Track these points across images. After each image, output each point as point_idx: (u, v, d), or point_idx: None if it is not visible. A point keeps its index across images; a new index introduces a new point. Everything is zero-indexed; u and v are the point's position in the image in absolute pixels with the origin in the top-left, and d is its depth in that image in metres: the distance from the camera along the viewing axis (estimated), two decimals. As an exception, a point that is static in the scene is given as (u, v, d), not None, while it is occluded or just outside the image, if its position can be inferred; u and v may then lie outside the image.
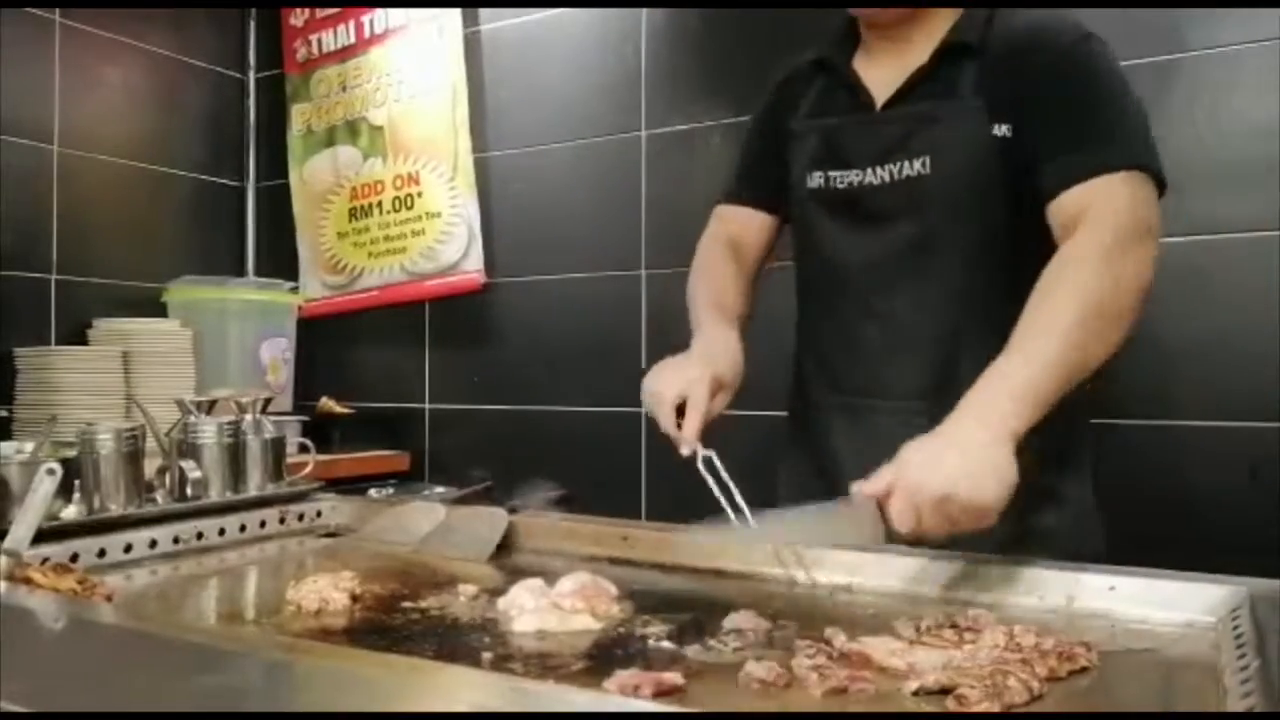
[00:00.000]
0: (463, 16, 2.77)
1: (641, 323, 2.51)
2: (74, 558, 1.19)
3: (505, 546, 1.32)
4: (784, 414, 1.53)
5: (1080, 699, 0.78)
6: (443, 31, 2.78)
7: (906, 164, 1.29)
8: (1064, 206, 1.19)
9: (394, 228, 2.89)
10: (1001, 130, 1.25)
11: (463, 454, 2.78)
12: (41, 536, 1.15)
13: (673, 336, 2.45)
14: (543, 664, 0.86)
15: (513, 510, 1.36)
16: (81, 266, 2.63)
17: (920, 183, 1.29)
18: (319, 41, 3.02)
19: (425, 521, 1.39)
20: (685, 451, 1.23)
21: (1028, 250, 1.22)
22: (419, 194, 2.84)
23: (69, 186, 2.61)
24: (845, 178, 1.35)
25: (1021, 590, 1.04)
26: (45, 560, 1.10)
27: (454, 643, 0.92)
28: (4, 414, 2.27)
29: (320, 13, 3.01)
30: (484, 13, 2.78)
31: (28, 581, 0.99)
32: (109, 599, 1.02)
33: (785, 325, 1.50)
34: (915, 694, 0.77)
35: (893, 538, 1.04)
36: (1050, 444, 1.17)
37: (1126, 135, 1.20)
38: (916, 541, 1.05)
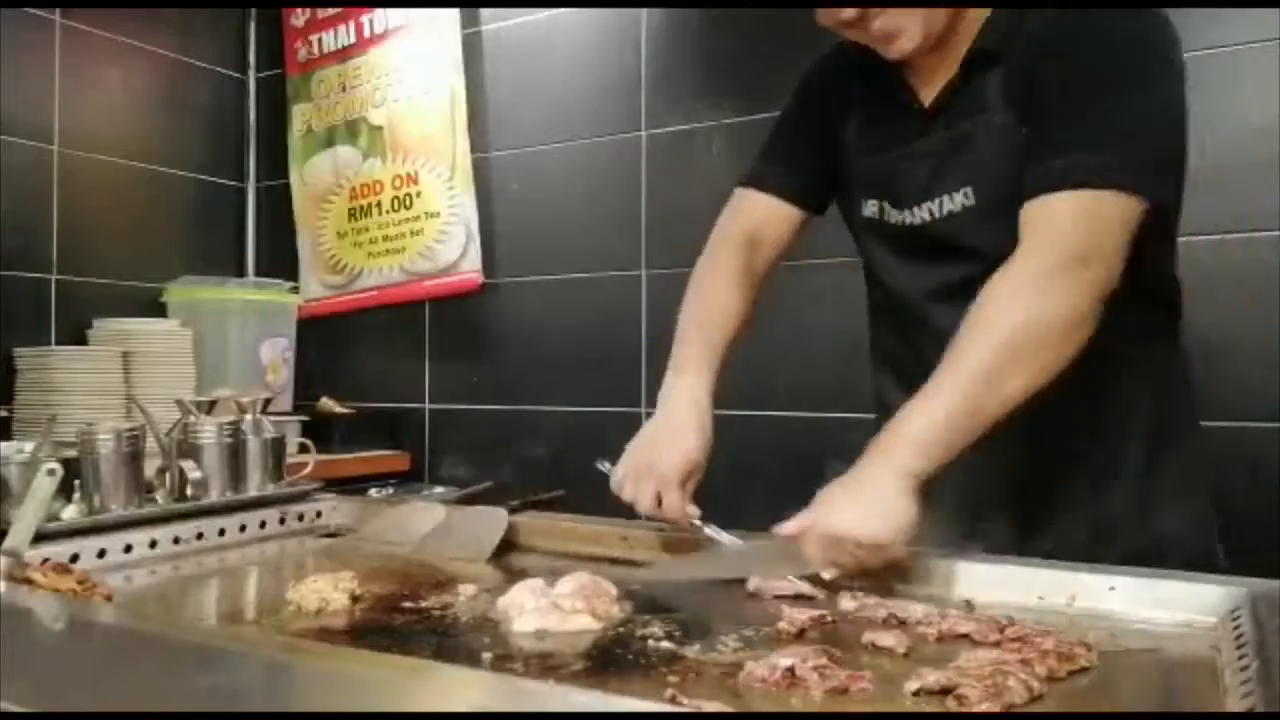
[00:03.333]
0: (463, 17, 2.77)
1: (641, 323, 2.51)
2: (74, 558, 1.19)
3: (505, 546, 1.32)
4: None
5: (1080, 699, 0.78)
6: (442, 32, 2.78)
7: (947, 199, 1.19)
8: (1023, 215, 1.08)
9: (392, 228, 2.89)
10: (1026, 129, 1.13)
11: (463, 454, 2.78)
12: (41, 536, 1.15)
13: (673, 337, 2.47)
14: (543, 664, 0.85)
15: (513, 510, 1.36)
16: (81, 266, 2.63)
17: (966, 216, 1.18)
18: (319, 42, 3.02)
19: (425, 521, 1.39)
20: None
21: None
22: (417, 194, 2.84)
23: (69, 186, 2.62)
24: (894, 215, 1.25)
25: (1022, 590, 1.04)
26: (45, 560, 1.10)
27: (454, 643, 0.92)
28: (4, 414, 2.27)
29: (321, 13, 3.01)
30: (484, 13, 2.78)
31: (28, 581, 0.99)
32: (109, 599, 1.02)
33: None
34: (915, 694, 0.77)
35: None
36: (1155, 452, 1.17)
37: (1106, 142, 1.06)
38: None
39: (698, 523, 1.21)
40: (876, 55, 1.21)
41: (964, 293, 1.18)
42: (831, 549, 1.03)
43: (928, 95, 1.22)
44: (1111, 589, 1.01)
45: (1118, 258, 1.06)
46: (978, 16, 1.18)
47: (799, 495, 1.22)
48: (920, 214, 1.22)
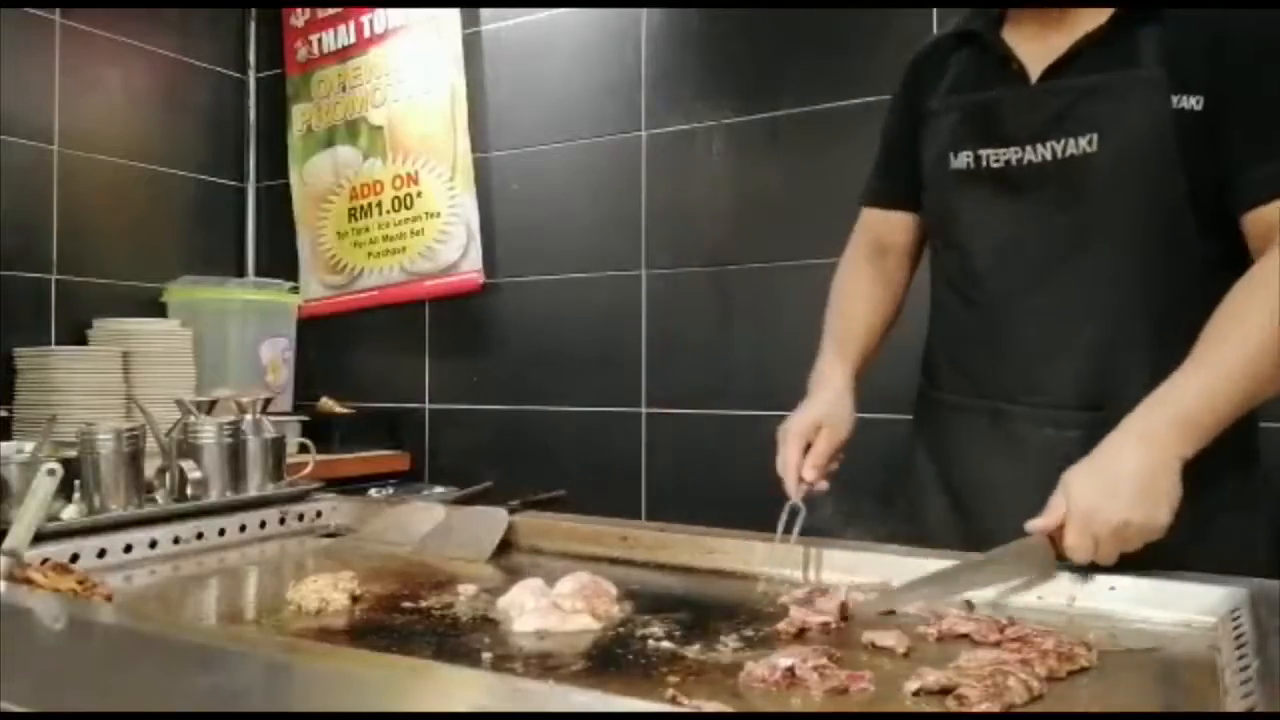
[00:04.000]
0: (463, 17, 2.77)
1: (641, 323, 2.51)
2: (74, 558, 1.19)
3: (505, 546, 1.32)
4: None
5: (1080, 699, 0.78)
6: (442, 32, 2.78)
7: (1071, 141, 1.17)
8: (1261, 219, 1.09)
9: (393, 228, 2.89)
10: (1188, 103, 1.11)
11: (463, 454, 2.78)
12: (41, 536, 1.15)
13: (673, 336, 2.48)
14: (543, 664, 0.86)
15: (512, 510, 1.36)
16: (81, 266, 2.63)
17: (1086, 162, 1.16)
18: (319, 42, 3.02)
19: (425, 521, 1.39)
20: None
21: (1208, 244, 1.14)
22: (418, 194, 2.84)
23: (69, 186, 2.61)
24: (1001, 155, 1.22)
25: (1022, 590, 1.04)
26: (45, 560, 1.10)
27: (454, 643, 0.92)
28: (4, 414, 2.27)
29: (320, 13, 3.01)
30: (484, 13, 2.78)
31: (28, 581, 0.99)
32: (109, 599, 1.02)
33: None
34: (915, 694, 0.77)
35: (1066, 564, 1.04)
36: (1223, 450, 1.12)
37: None
38: (1090, 566, 1.03)
39: (799, 499, 1.21)
40: (981, 24, 1.26)
41: (1047, 253, 1.20)
42: (1110, 539, 1.00)
43: (1036, 63, 1.21)
44: (1112, 589, 1.01)
45: None
46: None
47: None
48: (1042, 152, 1.19)
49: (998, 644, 0.87)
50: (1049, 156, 1.18)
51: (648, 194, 2.52)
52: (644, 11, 2.52)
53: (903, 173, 1.39)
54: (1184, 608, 0.97)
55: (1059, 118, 1.18)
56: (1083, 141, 1.16)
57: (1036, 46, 1.22)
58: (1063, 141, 1.17)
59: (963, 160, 1.26)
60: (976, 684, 0.75)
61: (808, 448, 1.25)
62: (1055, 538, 1.03)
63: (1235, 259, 1.13)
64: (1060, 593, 1.03)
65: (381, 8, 2.89)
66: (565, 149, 2.65)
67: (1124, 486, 1.00)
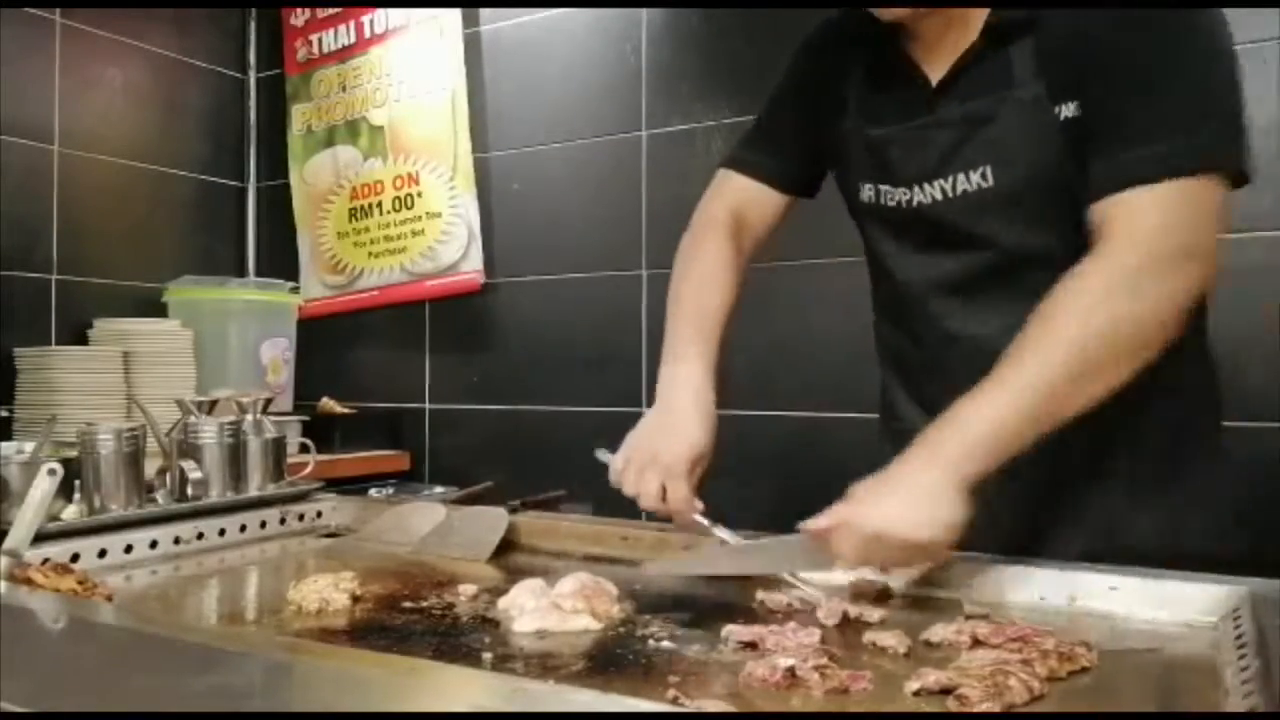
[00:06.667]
0: (463, 17, 2.77)
1: (641, 323, 2.51)
2: (74, 558, 1.19)
3: (505, 546, 1.32)
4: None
5: (1080, 699, 0.78)
6: (443, 32, 2.78)
7: (963, 177, 1.11)
8: (1096, 214, 1.02)
9: (394, 228, 2.89)
10: (1069, 110, 1.05)
11: (463, 454, 2.78)
12: (41, 536, 1.15)
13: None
14: (543, 664, 0.86)
15: (513, 510, 1.36)
16: (81, 266, 2.63)
17: (982, 197, 1.11)
18: (319, 41, 3.02)
19: (425, 521, 1.39)
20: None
21: None
22: (419, 194, 2.84)
23: (69, 186, 2.61)
24: (894, 195, 1.17)
25: (1022, 590, 1.04)
26: (45, 560, 1.10)
27: (454, 643, 0.92)
28: (4, 414, 2.27)
29: (320, 13, 3.01)
30: (484, 13, 2.78)
31: (28, 582, 0.99)
32: (109, 599, 1.02)
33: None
34: (916, 694, 0.76)
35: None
36: (1151, 441, 1.07)
37: (1188, 128, 0.99)
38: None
39: (704, 520, 1.15)
40: (878, 25, 1.14)
41: (972, 287, 1.15)
42: (867, 547, 0.97)
43: (934, 70, 1.14)
44: (1112, 589, 1.01)
45: (1214, 250, 1.00)
46: None
47: (799, 496, 1.22)
48: (930, 192, 1.13)
49: (998, 644, 0.87)
50: (938, 196, 1.13)
51: (648, 194, 2.52)
52: (644, 11, 2.53)
53: (784, 150, 1.30)
54: (1184, 608, 0.97)
55: (948, 152, 1.12)
56: (975, 176, 1.10)
57: (936, 51, 1.14)
58: (951, 179, 1.12)
59: (867, 193, 1.21)
60: (977, 684, 0.75)
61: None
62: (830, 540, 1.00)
63: None
64: (1060, 592, 1.03)
65: (381, 8, 2.89)
66: (565, 149, 2.65)
67: (892, 498, 0.97)
